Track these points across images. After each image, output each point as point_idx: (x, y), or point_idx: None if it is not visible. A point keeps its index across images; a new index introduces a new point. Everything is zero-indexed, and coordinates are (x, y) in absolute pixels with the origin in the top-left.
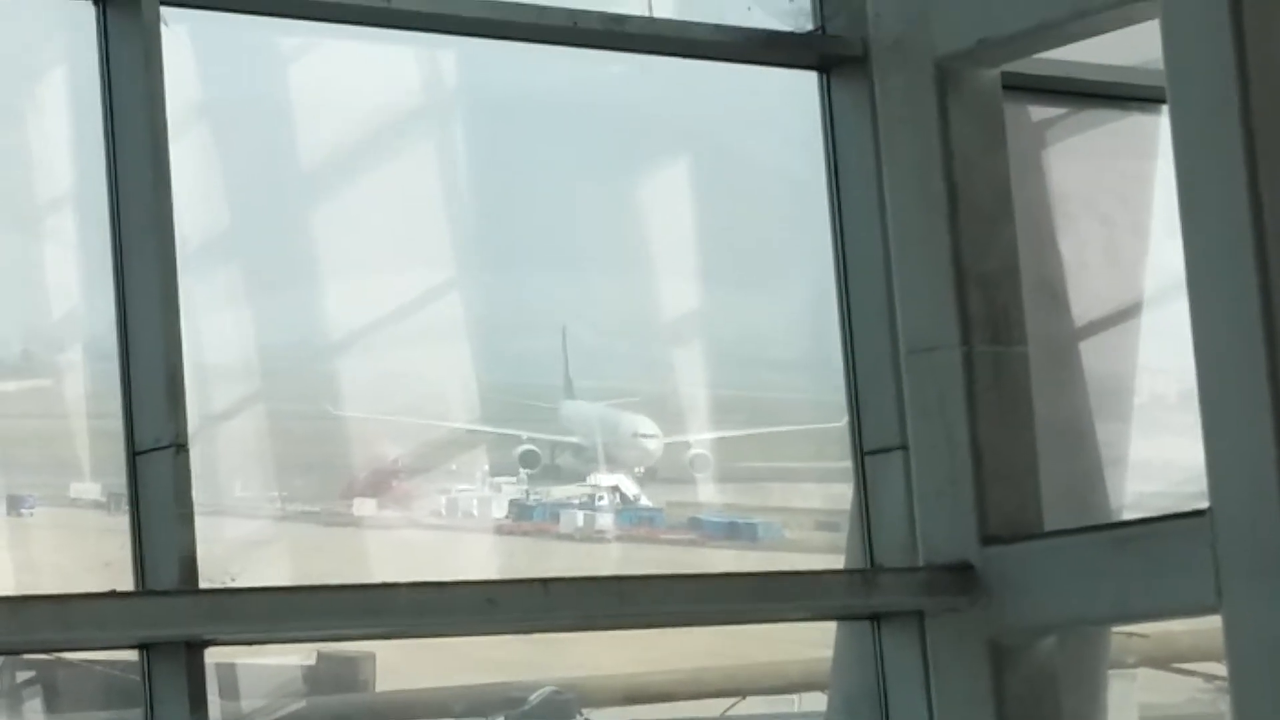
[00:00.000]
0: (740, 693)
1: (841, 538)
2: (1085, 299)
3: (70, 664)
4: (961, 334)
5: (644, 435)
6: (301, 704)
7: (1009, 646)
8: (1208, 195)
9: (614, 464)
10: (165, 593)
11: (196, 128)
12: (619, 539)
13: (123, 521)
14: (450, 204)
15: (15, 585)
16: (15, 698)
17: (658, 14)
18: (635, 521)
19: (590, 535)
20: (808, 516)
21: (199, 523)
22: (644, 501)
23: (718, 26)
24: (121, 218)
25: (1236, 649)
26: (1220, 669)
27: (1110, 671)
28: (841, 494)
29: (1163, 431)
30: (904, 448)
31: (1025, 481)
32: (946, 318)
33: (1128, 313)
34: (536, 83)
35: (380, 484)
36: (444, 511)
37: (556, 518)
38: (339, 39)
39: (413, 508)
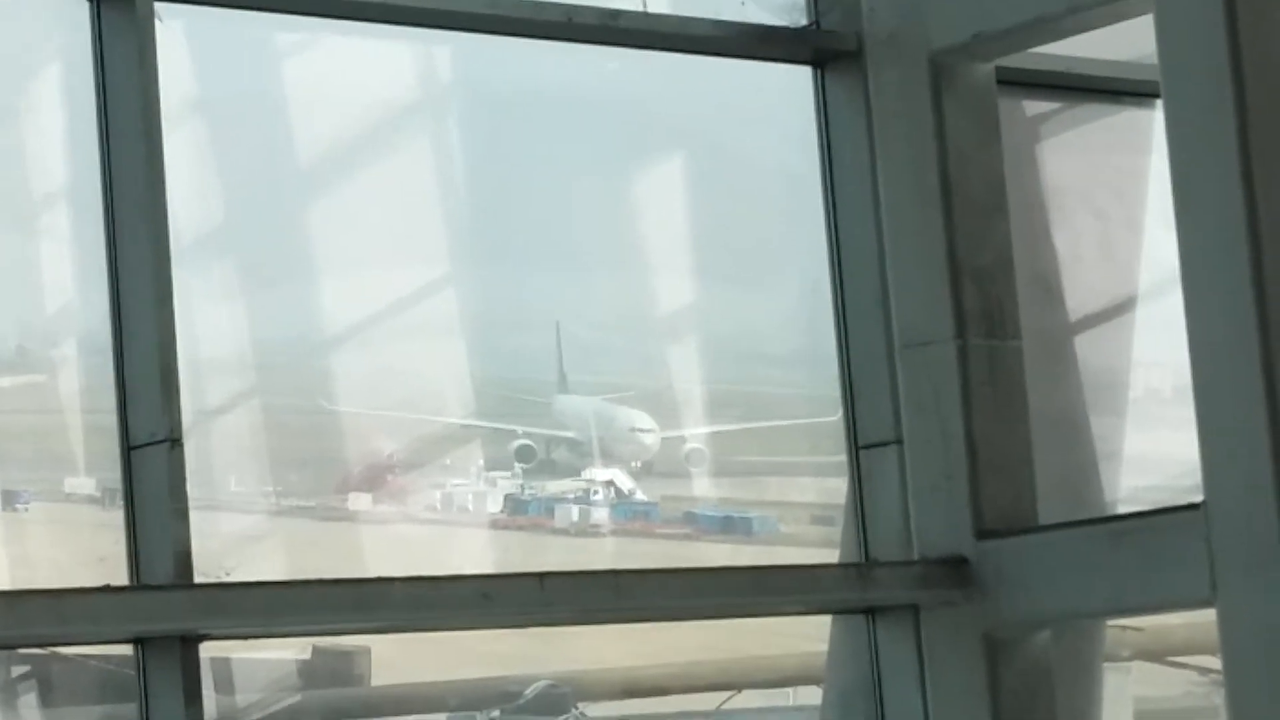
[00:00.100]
0: (735, 686)
1: (836, 532)
2: (1080, 293)
3: (65, 658)
4: (956, 328)
5: (639, 430)
6: (296, 698)
7: (1004, 640)
8: (1202, 189)
9: (609, 459)
10: (160, 587)
11: (191, 123)
12: (614, 533)
13: (117, 516)
14: (446, 199)
15: (10, 580)
16: (10, 692)
17: (653, 9)
18: (630, 516)
19: (585, 530)
20: (803, 511)
21: (194, 517)
22: (639, 496)
23: (713, 21)
24: (116, 213)
25: (1231, 642)
26: (1215, 662)
27: (1105, 665)
28: (836, 488)
29: (1157, 425)
30: (899, 442)
31: (1020, 475)
32: (941, 312)
33: (1122, 307)
34: (532, 78)
35: (375, 479)
36: (439, 506)
37: (552, 512)
38: (334, 34)
39: (408, 502)
